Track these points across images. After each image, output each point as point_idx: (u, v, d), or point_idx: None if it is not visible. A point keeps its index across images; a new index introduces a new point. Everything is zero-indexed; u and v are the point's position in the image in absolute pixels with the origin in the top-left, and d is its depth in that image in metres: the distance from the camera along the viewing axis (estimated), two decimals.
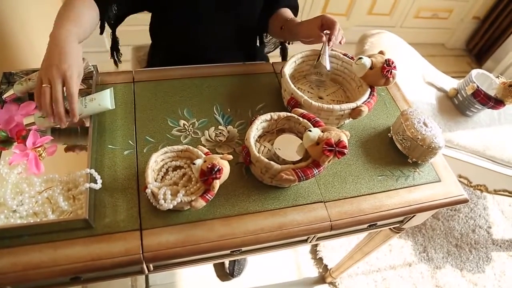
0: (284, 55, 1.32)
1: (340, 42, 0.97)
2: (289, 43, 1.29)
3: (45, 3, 1.91)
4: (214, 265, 1.64)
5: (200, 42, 1.12)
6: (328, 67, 0.97)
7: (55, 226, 0.69)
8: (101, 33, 1.02)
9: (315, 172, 0.76)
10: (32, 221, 0.70)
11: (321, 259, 1.74)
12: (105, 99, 0.84)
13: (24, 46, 1.58)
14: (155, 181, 0.77)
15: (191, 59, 1.11)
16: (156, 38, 1.24)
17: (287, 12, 1.15)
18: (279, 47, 1.32)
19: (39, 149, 0.80)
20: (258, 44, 1.31)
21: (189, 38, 1.10)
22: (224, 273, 1.63)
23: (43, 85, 0.71)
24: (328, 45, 0.94)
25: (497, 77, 1.60)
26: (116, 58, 1.19)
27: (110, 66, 2.32)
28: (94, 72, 0.94)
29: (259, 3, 1.11)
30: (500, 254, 1.92)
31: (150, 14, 1.18)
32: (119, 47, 1.18)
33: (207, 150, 0.80)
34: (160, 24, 1.16)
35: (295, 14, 1.20)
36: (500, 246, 1.95)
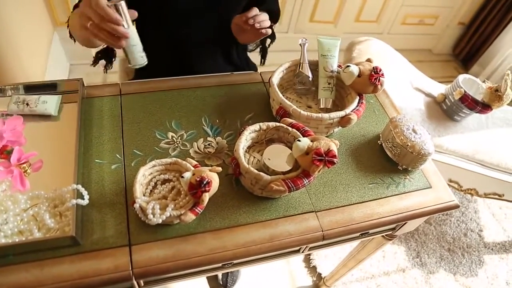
0: (263, 55, 1.32)
1: (261, 30, 0.95)
2: (268, 45, 1.30)
3: (34, 23, 1.90)
4: (208, 277, 1.62)
5: (181, 43, 1.11)
6: (309, 75, 0.98)
7: (41, 244, 0.68)
8: None
9: (305, 182, 0.76)
10: (17, 240, 0.68)
11: (314, 267, 1.73)
12: (51, 106, 0.88)
13: (11, 60, 1.57)
14: (144, 195, 0.76)
15: (174, 60, 1.11)
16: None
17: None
18: (260, 46, 1.30)
19: (24, 165, 0.78)
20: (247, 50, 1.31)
21: (170, 39, 1.10)
22: (218, 285, 1.61)
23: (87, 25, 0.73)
24: (253, 29, 0.94)
25: (484, 81, 1.61)
26: (106, 66, 1.17)
27: (98, 78, 2.32)
28: (79, 85, 0.92)
29: (240, 5, 1.10)
30: (492, 257, 1.93)
31: None
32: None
33: (196, 163, 0.79)
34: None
35: (275, 18, 1.19)
36: (492, 249, 1.96)
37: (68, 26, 0.99)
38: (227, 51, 1.21)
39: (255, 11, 0.96)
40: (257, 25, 0.94)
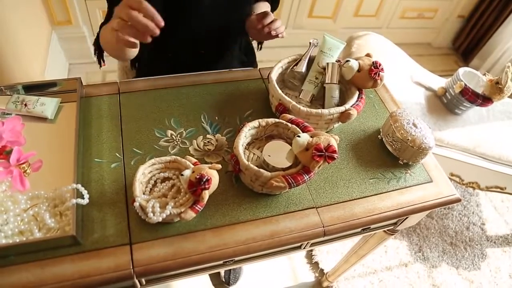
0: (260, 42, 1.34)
1: (277, 35, 1.02)
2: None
3: (33, 23, 1.90)
4: (210, 274, 1.63)
5: (195, 35, 1.11)
6: (303, 71, 0.98)
7: (42, 244, 0.67)
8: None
9: (305, 178, 0.75)
10: (18, 240, 0.68)
11: (317, 263, 1.73)
12: (49, 108, 0.88)
13: (11, 60, 1.57)
14: (144, 193, 0.76)
15: (184, 53, 1.12)
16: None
17: (264, 6, 1.17)
18: None
19: (24, 165, 0.78)
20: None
21: (183, 32, 1.09)
22: (220, 282, 1.61)
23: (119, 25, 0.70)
24: (269, 34, 1.00)
25: (484, 74, 1.61)
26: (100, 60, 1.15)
27: (97, 77, 2.32)
28: (78, 84, 0.92)
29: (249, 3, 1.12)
30: (494, 250, 1.92)
31: None
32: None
33: (196, 160, 0.79)
34: None
35: (275, 7, 1.22)
36: (495, 242, 1.96)
37: (95, 43, 1.03)
38: (236, 46, 1.22)
39: (270, 17, 1.00)
40: (273, 33, 1.00)
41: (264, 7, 1.19)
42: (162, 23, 0.70)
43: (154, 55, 1.19)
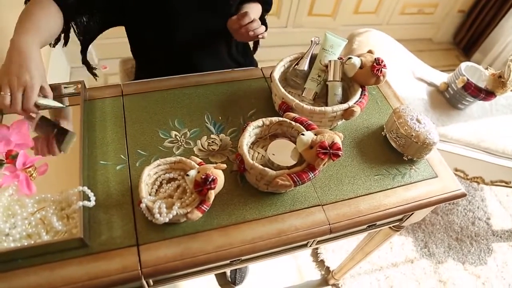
0: (254, 46, 1.35)
1: (257, 36, 1.01)
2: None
3: None
4: (216, 274, 1.63)
5: (178, 42, 1.11)
6: (305, 69, 0.98)
7: (50, 247, 0.68)
8: (65, 44, 1.04)
9: (310, 175, 0.75)
10: (26, 244, 0.68)
11: (322, 261, 1.73)
12: (53, 102, 0.84)
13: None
14: (150, 194, 0.76)
15: (173, 60, 1.12)
16: (136, 50, 1.24)
17: (254, 7, 1.16)
18: None
19: (30, 169, 0.78)
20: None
21: (167, 38, 1.10)
22: (226, 282, 1.61)
23: (2, 93, 0.74)
24: (247, 35, 0.99)
25: (486, 68, 1.60)
26: (91, 73, 1.18)
27: (99, 80, 2.31)
28: (81, 88, 0.92)
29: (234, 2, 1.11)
30: (501, 245, 1.92)
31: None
32: (92, 65, 1.18)
33: (201, 160, 0.79)
34: (136, 33, 1.16)
35: (268, 6, 1.22)
36: (501, 236, 1.95)
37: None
38: (227, 47, 1.21)
39: (248, 18, 0.98)
40: (251, 34, 0.99)
41: (254, 8, 1.17)
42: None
43: (147, 67, 1.20)
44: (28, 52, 0.77)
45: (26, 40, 0.79)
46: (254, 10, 1.16)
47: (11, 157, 0.78)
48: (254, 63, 1.36)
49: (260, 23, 1.01)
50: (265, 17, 1.26)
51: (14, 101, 0.74)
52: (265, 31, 1.18)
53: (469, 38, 2.95)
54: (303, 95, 1.00)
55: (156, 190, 0.78)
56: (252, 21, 0.99)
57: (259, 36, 1.01)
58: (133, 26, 1.13)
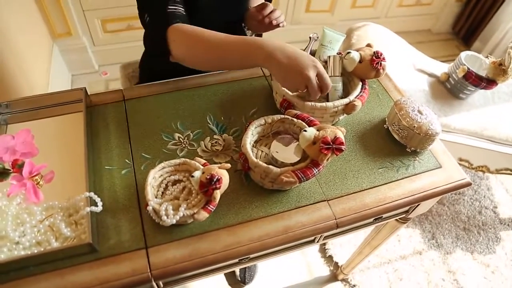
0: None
1: (278, 25, 1.05)
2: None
3: (34, 37, 1.92)
4: (225, 274, 1.63)
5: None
6: None
7: (59, 253, 0.68)
8: None
9: (315, 171, 0.76)
10: (36, 251, 0.69)
11: (331, 257, 1.74)
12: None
13: (17, 75, 1.58)
14: (156, 197, 0.77)
15: None
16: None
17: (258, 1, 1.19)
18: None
19: (36, 177, 0.79)
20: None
21: None
22: (236, 281, 1.62)
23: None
24: (270, 24, 1.04)
25: (487, 57, 1.60)
26: None
27: (100, 86, 2.33)
28: (83, 94, 0.93)
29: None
30: (509, 233, 1.92)
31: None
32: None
33: (205, 161, 0.79)
34: None
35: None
36: (508, 225, 1.95)
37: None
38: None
39: (269, 7, 1.02)
40: (274, 22, 1.03)
41: (260, 1, 1.20)
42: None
43: (155, 60, 1.20)
44: (288, 48, 0.79)
45: (272, 41, 0.80)
46: (262, 1, 1.19)
47: (18, 166, 0.79)
48: None
49: (280, 11, 1.04)
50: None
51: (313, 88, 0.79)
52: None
53: (468, 27, 2.94)
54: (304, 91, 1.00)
55: (162, 193, 0.78)
56: (273, 10, 1.02)
57: (280, 25, 1.05)
58: None
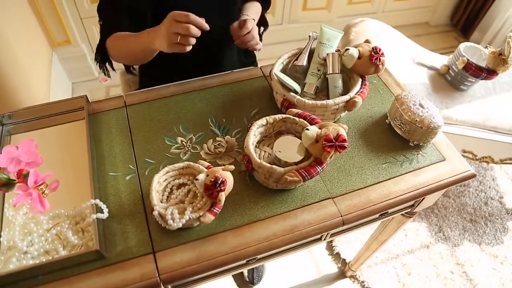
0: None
1: (254, 48, 1.09)
2: (261, 33, 1.34)
3: (33, 47, 1.92)
4: (233, 275, 1.64)
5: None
6: (304, 65, 0.98)
7: (67, 261, 0.69)
8: None
9: (318, 169, 0.76)
10: (44, 260, 0.69)
11: (338, 254, 1.73)
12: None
13: (18, 85, 1.59)
14: (161, 202, 0.77)
15: (179, 64, 1.15)
16: None
17: (254, 7, 1.20)
18: None
19: (42, 186, 0.79)
20: None
21: None
22: (244, 282, 1.62)
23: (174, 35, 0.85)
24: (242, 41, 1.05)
25: (486, 47, 1.59)
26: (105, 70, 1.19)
27: (101, 93, 2.34)
28: (85, 102, 0.94)
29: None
30: None
31: None
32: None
33: (208, 164, 0.80)
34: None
35: (266, 6, 1.25)
36: None
37: (99, 55, 1.10)
38: (234, 49, 1.23)
39: (245, 28, 1.03)
40: (248, 47, 1.07)
41: (254, 6, 1.20)
42: (207, 27, 0.86)
43: (153, 64, 1.21)
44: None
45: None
46: (253, 11, 1.19)
47: (23, 176, 0.79)
48: (255, 63, 1.37)
49: (255, 36, 1.06)
50: (265, 14, 1.29)
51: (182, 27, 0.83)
52: (265, 30, 1.28)
53: (466, 18, 2.93)
54: (304, 90, 1.00)
55: (167, 197, 0.79)
56: (248, 32, 1.04)
57: (251, 48, 1.08)
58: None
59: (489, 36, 2.79)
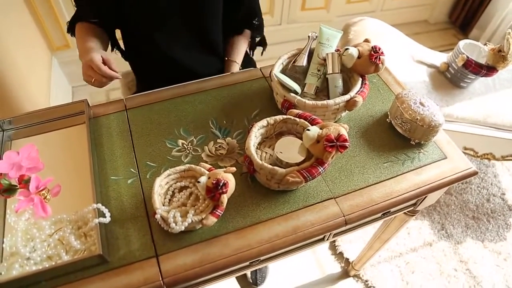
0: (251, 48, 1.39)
1: None
2: (261, 53, 1.38)
3: (33, 51, 1.93)
4: (237, 277, 1.63)
5: (166, 51, 1.15)
6: (304, 65, 0.98)
7: (70, 266, 0.69)
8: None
9: (320, 170, 0.76)
10: (47, 266, 0.69)
11: (341, 253, 1.73)
12: None
13: (18, 90, 1.59)
14: (163, 205, 0.77)
15: (167, 67, 1.17)
16: (133, 62, 1.28)
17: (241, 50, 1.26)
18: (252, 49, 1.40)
19: (43, 191, 0.79)
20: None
21: (154, 45, 1.14)
22: (248, 283, 1.62)
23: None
24: None
25: (485, 44, 1.59)
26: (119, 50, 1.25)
27: (101, 97, 2.34)
28: (85, 106, 0.93)
29: (217, 13, 1.14)
30: None
31: None
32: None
33: (210, 166, 0.79)
34: (127, 39, 1.21)
35: (258, 30, 1.27)
36: None
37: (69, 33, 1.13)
38: (219, 48, 1.23)
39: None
40: None
41: (242, 47, 1.25)
42: (118, 76, 0.96)
43: (146, 78, 1.27)
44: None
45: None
46: (241, 55, 1.25)
47: (24, 182, 0.79)
48: (252, 62, 1.37)
49: None
50: (257, 38, 1.32)
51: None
52: (264, 49, 1.35)
53: (465, 15, 2.93)
54: (304, 90, 1.00)
55: (169, 200, 0.79)
56: None
57: None
58: (126, 32, 1.18)
59: (488, 33, 2.79)
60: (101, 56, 0.96)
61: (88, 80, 0.97)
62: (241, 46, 1.25)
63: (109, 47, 1.18)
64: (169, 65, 1.17)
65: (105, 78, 0.95)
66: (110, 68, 0.95)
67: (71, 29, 1.11)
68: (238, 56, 1.24)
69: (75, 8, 1.09)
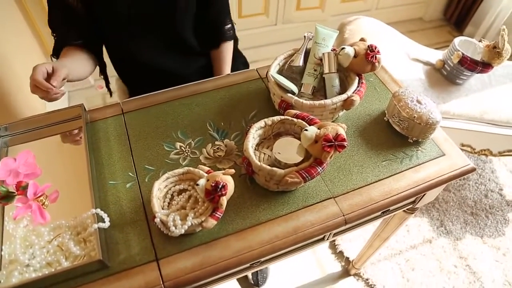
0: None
1: None
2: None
3: (29, 57, 1.92)
4: (238, 278, 1.63)
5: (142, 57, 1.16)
6: (301, 65, 0.98)
7: (70, 273, 0.68)
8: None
9: (319, 170, 0.76)
10: (47, 272, 0.69)
11: (341, 252, 1.73)
12: None
13: (16, 96, 1.59)
14: (162, 208, 0.77)
15: (148, 71, 1.18)
16: (116, 70, 1.30)
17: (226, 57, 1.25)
18: None
19: (41, 197, 0.79)
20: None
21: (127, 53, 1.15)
22: (249, 285, 1.62)
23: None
24: None
25: (480, 41, 1.60)
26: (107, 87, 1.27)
27: (98, 101, 2.33)
28: (82, 111, 0.93)
29: (189, 22, 1.13)
30: None
31: None
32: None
33: (208, 168, 0.79)
34: (110, 53, 1.22)
35: (228, 36, 1.24)
36: None
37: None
38: (189, 44, 1.22)
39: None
40: None
41: (227, 56, 1.25)
42: (55, 90, 0.89)
43: (135, 84, 1.28)
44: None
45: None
46: (228, 65, 1.26)
47: (22, 188, 0.79)
48: (242, 58, 1.37)
49: None
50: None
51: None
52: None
53: (459, 12, 2.94)
54: (301, 90, 1.00)
55: (168, 203, 0.78)
56: None
57: None
58: (107, 46, 1.19)
59: (483, 29, 2.79)
60: (49, 67, 0.90)
61: (33, 92, 0.90)
62: (226, 55, 1.25)
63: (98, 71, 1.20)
64: (151, 72, 1.19)
65: (44, 92, 0.88)
66: (50, 80, 0.88)
67: (55, 54, 1.10)
68: (225, 67, 1.25)
69: (54, 38, 1.09)
